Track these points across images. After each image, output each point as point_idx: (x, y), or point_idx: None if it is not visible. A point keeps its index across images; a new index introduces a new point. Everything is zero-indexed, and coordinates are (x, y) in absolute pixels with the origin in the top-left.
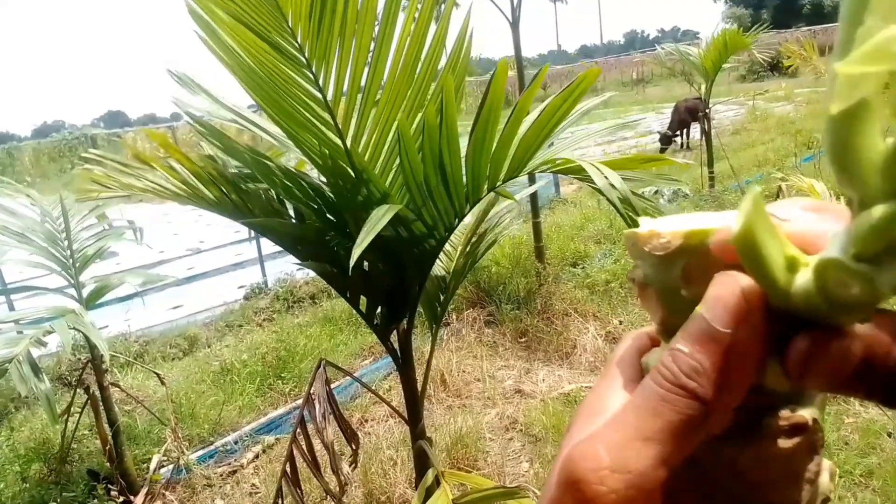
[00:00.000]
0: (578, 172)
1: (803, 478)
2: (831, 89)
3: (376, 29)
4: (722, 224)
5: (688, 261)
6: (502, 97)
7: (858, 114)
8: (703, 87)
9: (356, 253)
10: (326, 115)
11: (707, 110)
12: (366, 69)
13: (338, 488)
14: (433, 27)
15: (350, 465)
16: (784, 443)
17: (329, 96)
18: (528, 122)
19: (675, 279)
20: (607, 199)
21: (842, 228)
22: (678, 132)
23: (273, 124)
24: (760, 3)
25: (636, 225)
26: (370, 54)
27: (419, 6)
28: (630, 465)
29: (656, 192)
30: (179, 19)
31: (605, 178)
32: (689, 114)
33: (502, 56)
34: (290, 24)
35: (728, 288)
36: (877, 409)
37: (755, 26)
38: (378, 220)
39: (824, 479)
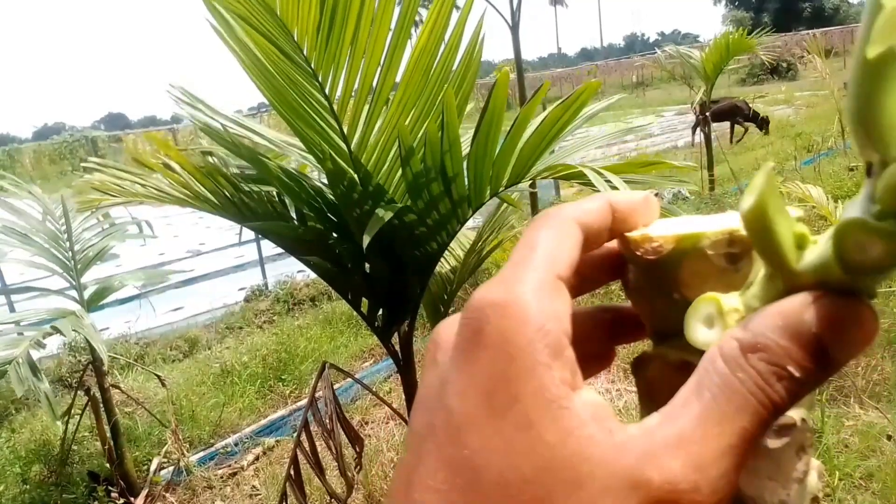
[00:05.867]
0: (580, 178)
1: (792, 477)
2: (868, 34)
3: (387, 40)
4: (714, 228)
5: (679, 265)
6: (504, 106)
7: (889, 65)
8: (702, 90)
9: (366, 240)
10: (332, 121)
11: (706, 114)
12: (376, 77)
13: (345, 490)
14: (445, 37)
15: (355, 468)
16: (772, 442)
17: (335, 103)
18: (529, 130)
19: (667, 283)
20: None
21: (860, 195)
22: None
23: (274, 128)
24: (761, 7)
25: None
26: (380, 63)
27: (435, 16)
28: (716, 485)
29: (656, 194)
30: (180, 21)
31: (608, 182)
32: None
33: (501, 59)
34: (295, 38)
35: (859, 319)
36: (876, 412)
37: (756, 30)
38: (381, 216)
39: (812, 478)
